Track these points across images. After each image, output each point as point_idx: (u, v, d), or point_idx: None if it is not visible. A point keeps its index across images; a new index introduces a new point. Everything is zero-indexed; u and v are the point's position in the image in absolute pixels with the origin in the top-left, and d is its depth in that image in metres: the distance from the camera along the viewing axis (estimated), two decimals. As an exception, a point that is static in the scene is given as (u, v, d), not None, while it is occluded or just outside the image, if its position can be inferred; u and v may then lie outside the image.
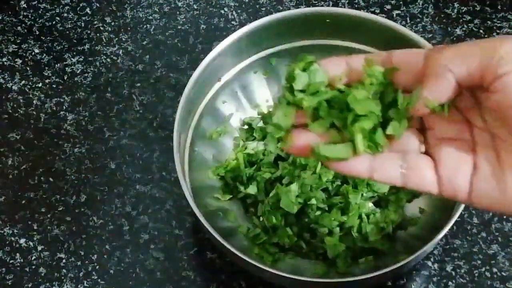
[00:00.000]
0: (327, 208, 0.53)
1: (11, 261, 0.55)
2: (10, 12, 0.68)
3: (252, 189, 0.55)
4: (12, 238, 0.56)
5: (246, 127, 0.60)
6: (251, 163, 0.57)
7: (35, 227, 0.57)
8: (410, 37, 0.53)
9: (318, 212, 0.53)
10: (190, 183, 0.53)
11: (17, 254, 0.56)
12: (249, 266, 0.48)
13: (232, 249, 0.47)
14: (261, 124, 0.59)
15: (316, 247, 0.53)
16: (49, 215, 0.57)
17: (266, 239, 0.54)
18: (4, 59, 0.65)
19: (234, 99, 0.59)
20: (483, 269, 0.54)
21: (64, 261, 0.55)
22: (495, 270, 0.54)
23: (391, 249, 0.53)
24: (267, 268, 0.47)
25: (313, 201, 0.52)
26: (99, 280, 0.55)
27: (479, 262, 0.54)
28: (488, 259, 0.54)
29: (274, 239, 0.54)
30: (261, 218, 0.54)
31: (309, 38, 0.59)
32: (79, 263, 0.55)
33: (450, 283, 0.54)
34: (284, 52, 0.59)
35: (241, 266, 0.51)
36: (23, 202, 0.58)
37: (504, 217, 0.56)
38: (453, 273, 0.54)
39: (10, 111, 0.62)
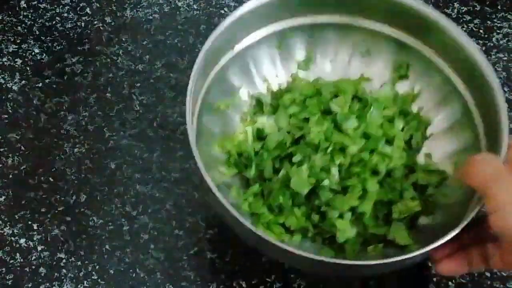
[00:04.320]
0: (340, 190, 0.51)
1: (11, 261, 0.55)
2: (10, 12, 0.68)
3: (258, 166, 0.53)
4: (12, 238, 0.56)
5: (254, 102, 0.58)
6: (260, 138, 0.55)
7: (35, 227, 0.57)
8: (432, 17, 0.52)
9: (331, 194, 0.51)
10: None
11: (17, 254, 0.56)
12: (256, 240, 0.45)
13: (242, 220, 0.43)
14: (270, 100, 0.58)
15: (324, 231, 0.51)
16: (49, 215, 0.57)
17: (271, 218, 0.51)
18: (4, 59, 0.65)
19: (245, 71, 0.57)
20: (483, 269, 0.54)
21: (64, 261, 0.55)
22: (495, 270, 0.54)
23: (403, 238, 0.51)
24: (276, 243, 0.43)
25: (326, 182, 0.50)
26: (99, 280, 0.55)
27: (479, 262, 0.54)
28: (488, 259, 0.55)
29: (280, 219, 0.52)
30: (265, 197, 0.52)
31: (327, 13, 0.57)
32: (79, 263, 0.55)
33: (450, 283, 0.54)
34: (299, 28, 0.57)
35: (247, 242, 0.48)
36: (23, 202, 0.58)
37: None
38: (453, 273, 0.54)
39: (10, 111, 0.62)
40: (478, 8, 0.67)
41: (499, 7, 0.67)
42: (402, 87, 0.58)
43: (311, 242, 0.52)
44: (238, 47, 0.55)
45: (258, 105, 0.57)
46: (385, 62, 0.58)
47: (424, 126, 0.57)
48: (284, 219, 0.51)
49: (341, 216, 0.50)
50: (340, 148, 0.52)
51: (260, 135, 0.55)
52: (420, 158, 0.56)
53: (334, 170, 0.51)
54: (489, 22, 0.66)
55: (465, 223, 0.44)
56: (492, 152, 0.48)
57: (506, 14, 0.67)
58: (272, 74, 0.59)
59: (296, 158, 0.52)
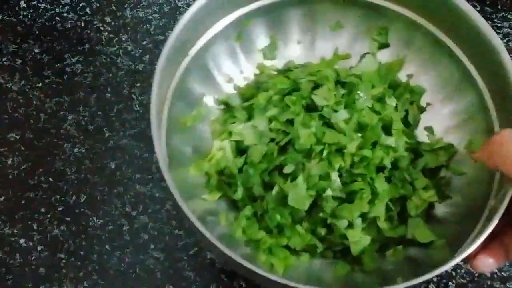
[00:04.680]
0: (345, 197, 0.45)
1: (11, 261, 0.55)
2: (10, 12, 0.68)
3: (245, 184, 0.46)
4: (12, 238, 0.56)
5: (223, 107, 0.51)
6: (241, 151, 0.48)
7: (35, 227, 0.57)
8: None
9: (335, 203, 0.45)
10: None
11: (17, 254, 0.56)
12: (260, 279, 0.40)
13: (241, 261, 0.38)
14: (240, 101, 0.51)
15: (334, 244, 0.46)
16: (49, 215, 0.57)
17: (272, 242, 0.46)
18: (4, 59, 0.65)
19: (206, 74, 0.50)
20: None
21: (64, 261, 0.55)
22: (495, 270, 0.54)
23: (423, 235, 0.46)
24: (276, 279, 0.38)
25: (328, 191, 0.44)
26: (99, 280, 0.54)
27: (479, 262, 0.54)
28: (488, 259, 0.54)
29: (282, 241, 0.46)
30: (259, 216, 0.47)
31: None
32: (79, 263, 0.55)
33: (450, 283, 0.54)
34: (257, 12, 0.50)
35: (251, 279, 0.45)
36: (23, 202, 0.58)
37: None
38: (453, 273, 0.54)
39: (10, 111, 0.62)
40: (478, 8, 0.67)
41: (499, 7, 0.67)
42: (383, 57, 0.52)
43: (321, 259, 0.47)
44: (194, 50, 0.49)
45: (228, 110, 0.51)
46: (359, 32, 0.52)
47: (418, 96, 0.51)
48: (286, 240, 0.46)
49: (350, 225, 0.45)
50: (337, 149, 0.46)
51: (240, 148, 0.48)
52: (421, 135, 0.51)
53: (335, 176, 0.45)
54: (489, 22, 0.66)
55: (500, 214, 0.39)
56: (506, 119, 0.43)
57: (506, 14, 0.67)
58: (236, 71, 0.52)
59: (287, 169, 0.46)
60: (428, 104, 0.51)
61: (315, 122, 0.46)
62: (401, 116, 0.49)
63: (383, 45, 0.52)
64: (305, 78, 0.48)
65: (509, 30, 0.66)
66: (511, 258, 0.41)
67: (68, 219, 0.57)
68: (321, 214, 0.45)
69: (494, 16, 0.66)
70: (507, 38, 0.65)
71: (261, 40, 0.53)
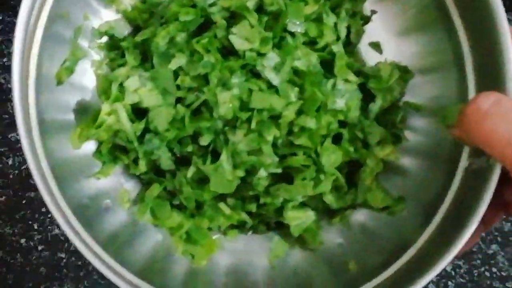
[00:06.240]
0: (281, 172, 0.35)
1: (11, 261, 0.55)
2: (10, 12, 0.68)
3: (148, 155, 0.35)
4: (13, 238, 0.56)
5: (105, 39, 0.37)
6: (140, 111, 0.35)
7: (36, 227, 0.57)
8: None
9: (268, 180, 0.35)
10: (47, 162, 0.32)
11: (18, 253, 0.56)
12: None
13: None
14: (129, 31, 0.37)
15: (267, 218, 0.37)
16: (49, 215, 0.57)
17: (190, 226, 0.36)
18: (4, 59, 0.65)
19: (78, 2, 0.36)
20: (483, 269, 0.54)
21: (64, 260, 0.56)
22: (494, 269, 0.54)
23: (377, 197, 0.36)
24: None
25: (262, 173, 0.34)
26: (99, 279, 0.55)
27: (478, 261, 0.55)
28: (488, 259, 0.55)
29: (202, 223, 0.36)
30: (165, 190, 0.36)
31: None
32: (79, 262, 0.55)
33: (449, 282, 0.54)
34: None
35: None
36: (24, 202, 0.58)
37: (504, 217, 0.56)
38: (453, 272, 0.54)
39: (11, 111, 0.62)
40: (477, 8, 0.67)
41: (498, 7, 0.67)
42: None
43: (253, 234, 0.38)
44: None
45: (113, 46, 0.37)
46: None
47: (361, 2, 0.38)
48: (208, 222, 0.36)
49: (288, 201, 0.35)
50: (271, 116, 0.34)
51: (138, 108, 0.35)
52: (365, 51, 0.38)
53: (267, 150, 0.34)
54: (488, 22, 0.66)
55: (488, 199, 0.29)
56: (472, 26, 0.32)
57: (506, 15, 0.67)
58: None
59: (204, 141, 0.34)
60: (373, 12, 0.39)
61: (238, 76, 0.34)
62: (343, 39, 0.37)
63: None
64: (217, 6, 0.35)
65: (508, 30, 0.66)
66: (488, 227, 0.34)
67: (69, 219, 0.57)
68: (251, 192, 0.35)
69: (493, 16, 0.66)
70: (506, 38, 0.65)
71: None
